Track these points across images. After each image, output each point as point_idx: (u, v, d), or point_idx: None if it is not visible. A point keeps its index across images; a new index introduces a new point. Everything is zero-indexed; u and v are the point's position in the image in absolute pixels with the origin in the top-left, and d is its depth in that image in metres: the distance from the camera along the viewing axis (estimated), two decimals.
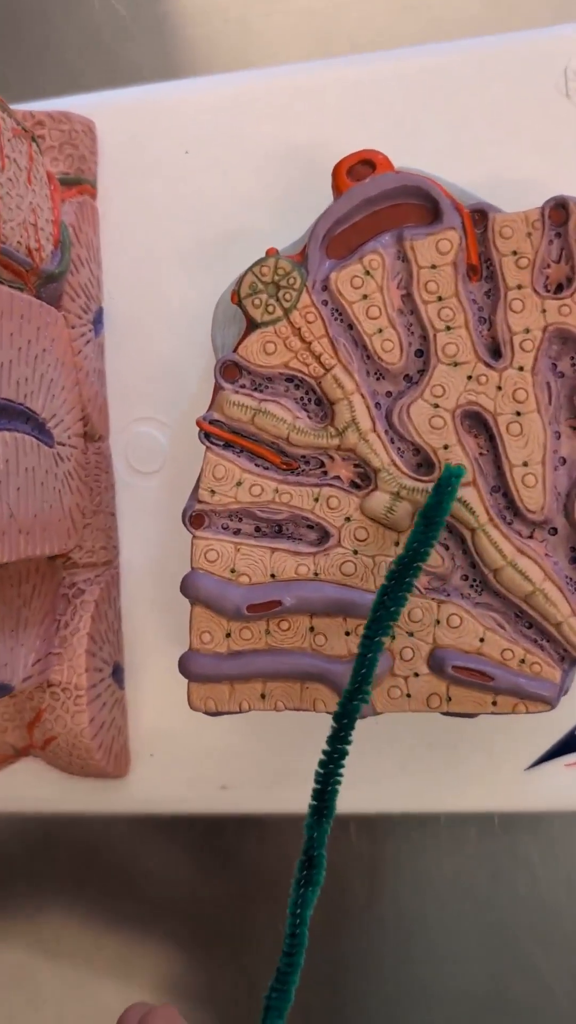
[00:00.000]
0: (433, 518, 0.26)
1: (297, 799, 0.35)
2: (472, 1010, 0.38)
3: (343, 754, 0.25)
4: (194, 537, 0.29)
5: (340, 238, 0.28)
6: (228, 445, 0.29)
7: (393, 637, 0.28)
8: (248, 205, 0.35)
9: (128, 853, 0.40)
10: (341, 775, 0.25)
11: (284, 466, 0.29)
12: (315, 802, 0.25)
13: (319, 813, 0.25)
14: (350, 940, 0.39)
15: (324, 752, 0.25)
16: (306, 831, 0.25)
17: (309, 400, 0.29)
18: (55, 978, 0.40)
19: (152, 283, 0.35)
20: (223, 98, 0.35)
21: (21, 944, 0.41)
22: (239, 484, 0.29)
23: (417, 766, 0.34)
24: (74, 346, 0.33)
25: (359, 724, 0.32)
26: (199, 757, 0.35)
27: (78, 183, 0.34)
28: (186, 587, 0.29)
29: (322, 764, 0.25)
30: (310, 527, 0.29)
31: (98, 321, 0.35)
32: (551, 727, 0.33)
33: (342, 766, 0.25)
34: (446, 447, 0.28)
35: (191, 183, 0.35)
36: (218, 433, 0.29)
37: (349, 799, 0.35)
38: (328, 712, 0.29)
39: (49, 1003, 0.41)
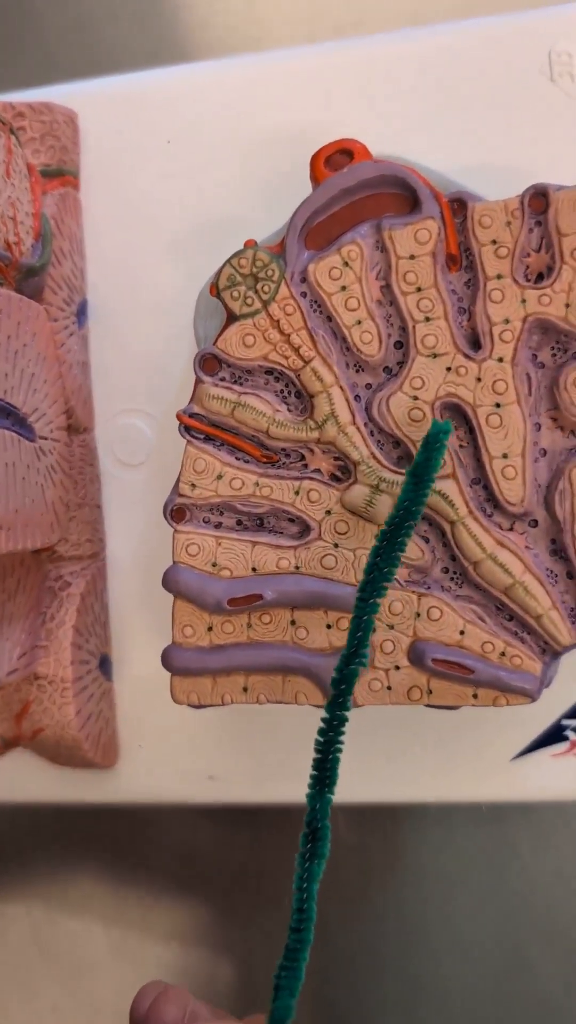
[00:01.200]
0: (423, 476, 0.25)
1: (285, 789, 0.35)
2: (465, 1000, 0.38)
3: (342, 720, 0.24)
4: (175, 531, 0.29)
5: (319, 229, 0.28)
6: (208, 438, 0.29)
7: (374, 630, 0.28)
8: (232, 195, 0.35)
9: (121, 840, 0.40)
10: (342, 743, 0.24)
11: (264, 459, 0.29)
12: (316, 772, 0.24)
13: (320, 783, 0.24)
14: (339, 931, 0.39)
15: (323, 720, 0.25)
16: (308, 802, 0.24)
17: (289, 393, 0.28)
18: (50, 967, 0.41)
19: (137, 274, 0.35)
20: (205, 87, 0.35)
21: (15, 934, 0.41)
22: (220, 477, 0.29)
23: (403, 756, 0.34)
24: (57, 339, 0.33)
25: None
26: (187, 748, 0.35)
27: (60, 175, 0.34)
28: (167, 581, 0.29)
29: (321, 732, 0.25)
30: (291, 520, 0.29)
31: (82, 313, 0.35)
32: (537, 717, 0.33)
33: (342, 733, 0.24)
34: None
35: (175, 173, 0.35)
36: (198, 426, 0.29)
37: (338, 791, 0.35)
38: (311, 704, 0.29)
39: (44, 995, 0.41)
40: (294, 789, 0.35)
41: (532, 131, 0.32)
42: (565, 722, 0.33)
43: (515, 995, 0.38)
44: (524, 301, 0.27)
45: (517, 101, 0.32)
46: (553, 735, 0.33)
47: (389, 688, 0.28)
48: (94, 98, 0.35)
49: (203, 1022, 0.25)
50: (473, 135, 0.32)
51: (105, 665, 0.35)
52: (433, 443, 0.25)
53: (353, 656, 0.25)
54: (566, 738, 0.33)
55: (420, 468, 0.25)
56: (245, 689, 0.29)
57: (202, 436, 0.29)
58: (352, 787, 0.35)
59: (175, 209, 0.35)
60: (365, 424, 0.28)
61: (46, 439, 0.31)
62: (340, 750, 0.25)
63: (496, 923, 0.38)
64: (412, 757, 0.34)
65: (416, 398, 0.28)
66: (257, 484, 0.28)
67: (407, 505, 0.25)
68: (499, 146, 0.32)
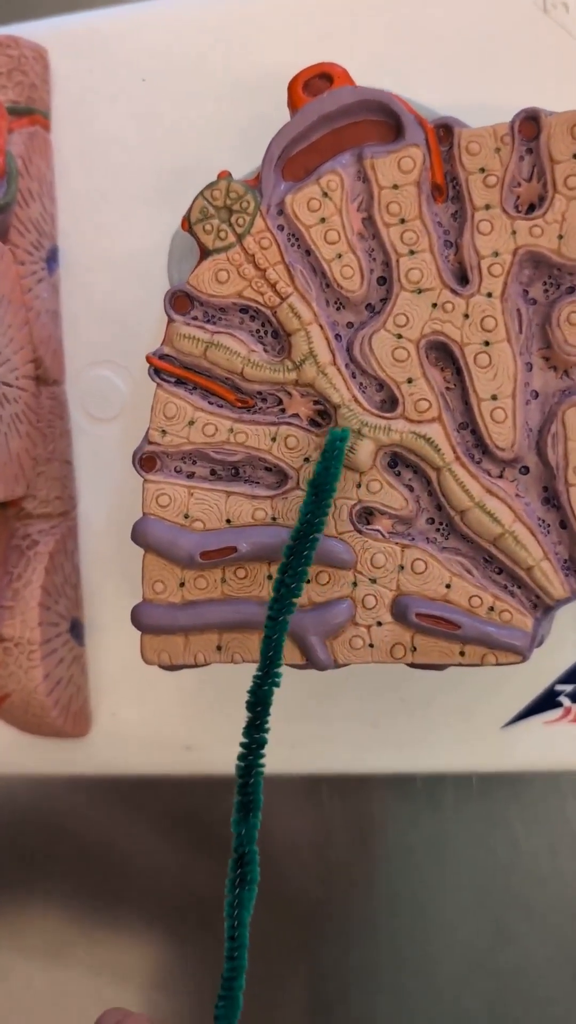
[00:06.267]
0: (323, 486, 0.24)
1: (263, 759, 0.34)
2: (453, 973, 0.37)
3: (262, 743, 0.24)
4: (145, 481, 0.27)
5: (297, 159, 0.27)
6: (180, 382, 0.27)
7: (355, 584, 0.26)
8: (209, 135, 0.33)
9: (91, 818, 0.39)
10: (263, 766, 0.24)
11: (239, 403, 0.27)
12: (239, 797, 0.24)
13: (245, 809, 0.24)
14: (325, 904, 0.38)
15: (242, 744, 0.24)
16: (233, 828, 0.23)
17: (265, 332, 0.27)
18: (18, 958, 0.39)
19: (109, 219, 0.34)
20: (181, 23, 0.33)
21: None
22: (191, 423, 0.27)
23: (389, 724, 0.32)
24: (24, 283, 0.31)
25: (326, 679, 0.30)
26: (163, 717, 0.34)
27: (29, 113, 0.32)
28: (136, 534, 0.27)
29: (241, 757, 0.24)
30: (268, 469, 0.27)
31: (52, 259, 0.33)
32: (529, 682, 0.32)
33: (262, 756, 0.24)
34: (410, 380, 0.26)
35: (149, 113, 0.33)
36: (169, 368, 0.27)
37: (320, 760, 0.34)
38: (288, 665, 0.27)
39: (17, 987, 0.40)
40: (273, 759, 0.34)
41: (525, 63, 0.30)
42: (559, 687, 0.31)
43: (500, 970, 0.37)
44: (514, 233, 0.25)
45: (510, 33, 0.30)
46: (546, 701, 0.32)
47: (371, 645, 0.26)
48: (64, 35, 0.34)
49: None
50: (464, 68, 0.31)
51: (76, 629, 0.33)
52: (330, 452, 0.25)
53: (266, 677, 0.24)
54: (559, 704, 0.32)
55: (319, 478, 0.25)
56: (219, 648, 0.27)
57: (173, 379, 0.27)
58: (337, 758, 0.33)
59: (150, 152, 0.33)
60: (346, 365, 0.26)
61: (10, 386, 0.29)
62: (261, 774, 0.24)
63: (483, 897, 0.37)
64: (396, 725, 0.32)
65: (400, 336, 0.26)
66: (231, 430, 0.27)
67: (309, 518, 0.24)
68: (490, 79, 0.30)
